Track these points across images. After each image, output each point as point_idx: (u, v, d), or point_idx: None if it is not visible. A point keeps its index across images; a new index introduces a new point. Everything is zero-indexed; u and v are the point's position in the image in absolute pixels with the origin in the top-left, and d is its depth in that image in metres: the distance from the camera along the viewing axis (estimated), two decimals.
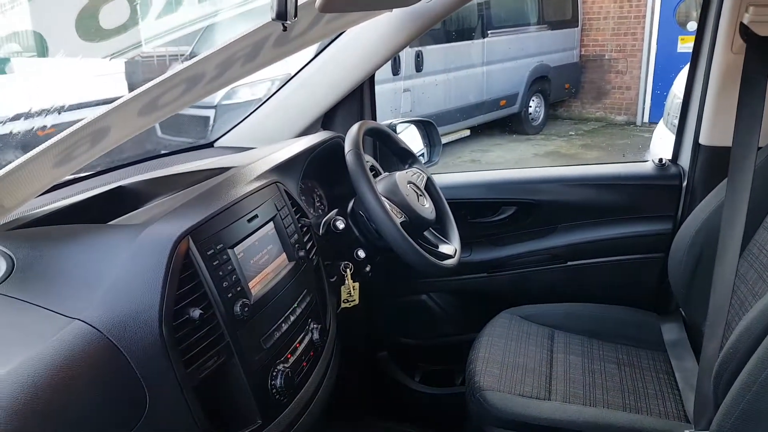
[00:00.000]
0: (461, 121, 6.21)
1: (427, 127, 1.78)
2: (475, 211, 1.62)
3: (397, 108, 5.28)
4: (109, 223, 0.93)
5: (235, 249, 0.88)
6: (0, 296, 0.74)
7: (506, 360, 1.27)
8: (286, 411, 0.92)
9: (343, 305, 1.24)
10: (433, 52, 5.61)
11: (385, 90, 5.09)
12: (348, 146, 1.14)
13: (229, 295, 0.84)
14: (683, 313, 1.41)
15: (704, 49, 1.38)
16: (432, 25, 1.35)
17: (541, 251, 1.58)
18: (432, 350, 1.74)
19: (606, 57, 7.50)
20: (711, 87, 1.35)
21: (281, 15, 0.71)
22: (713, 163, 1.39)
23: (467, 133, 6.49)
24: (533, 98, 6.99)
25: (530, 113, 7.01)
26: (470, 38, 6.09)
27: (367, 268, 1.32)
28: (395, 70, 5.22)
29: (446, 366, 1.73)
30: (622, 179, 1.54)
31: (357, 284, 1.23)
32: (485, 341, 1.34)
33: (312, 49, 1.45)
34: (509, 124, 7.01)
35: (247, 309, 0.86)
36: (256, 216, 0.95)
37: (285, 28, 0.80)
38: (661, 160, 1.52)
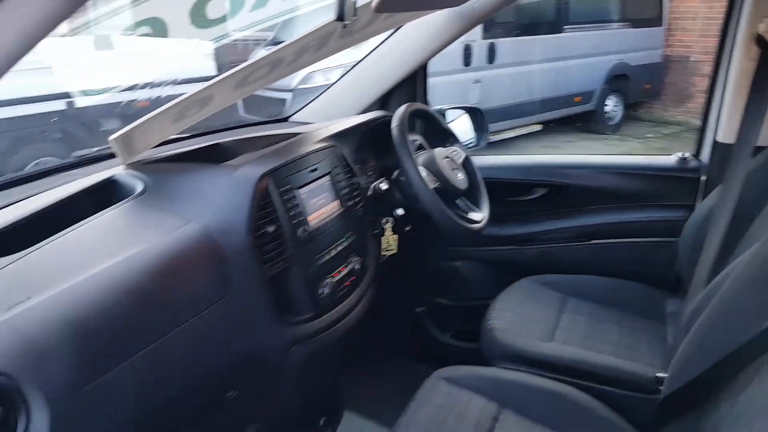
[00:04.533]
0: (533, 115, 6.28)
1: (475, 114, 1.99)
2: (510, 191, 1.83)
3: (466, 98, 5.45)
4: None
5: (300, 190, 1.18)
6: (138, 205, 1.06)
7: (519, 312, 1.49)
8: (330, 312, 1.21)
9: (383, 253, 1.50)
10: (506, 45, 5.72)
11: (454, 80, 5.26)
12: (394, 122, 1.38)
13: (294, 222, 1.14)
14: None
15: (725, 55, 1.52)
16: (479, 23, 1.57)
17: (567, 229, 1.77)
18: (463, 311, 1.96)
19: (692, 59, 7.29)
20: (728, 90, 1.50)
21: (340, 16, 0.97)
22: (728, 159, 1.53)
23: (539, 127, 6.55)
24: (610, 97, 6.93)
25: (606, 112, 6.96)
26: (547, 33, 6.14)
27: (407, 228, 1.57)
28: (467, 61, 5.37)
29: (475, 326, 1.95)
30: (646, 169, 1.71)
31: (396, 236, 1.49)
32: (504, 297, 1.56)
33: (376, 39, 1.71)
34: (584, 121, 6.99)
35: (306, 233, 1.15)
36: (316, 169, 1.24)
37: (345, 26, 1.06)
38: (683, 154, 1.68)
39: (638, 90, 7.24)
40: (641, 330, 1.44)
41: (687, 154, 1.68)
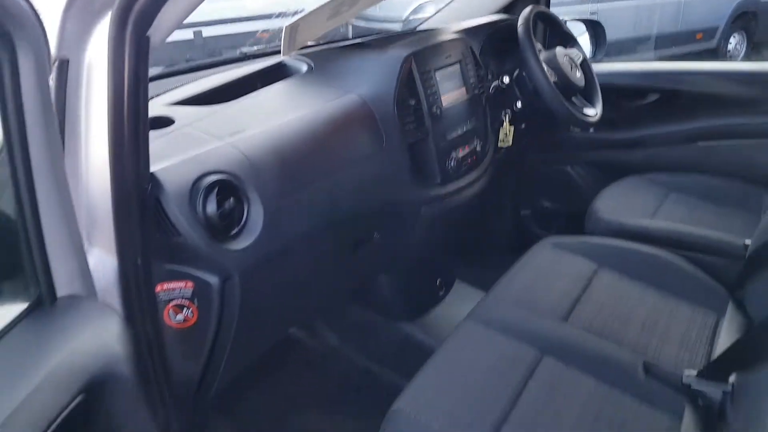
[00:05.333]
0: (650, 51, 6.02)
1: (595, 27, 2.07)
2: (624, 95, 1.94)
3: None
4: None
5: (436, 72, 1.38)
6: (306, 79, 1.33)
7: (622, 198, 1.64)
8: (454, 183, 1.43)
9: (500, 144, 1.68)
10: None
11: (570, 12, 5.15)
12: (521, 20, 1.54)
13: (430, 99, 1.35)
14: None
15: None
16: None
17: (676, 132, 1.87)
18: (569, 214, 2.10)
19: None
20: None
21: None
22: None
23: None
24: (734, 35, 6.46)
25: (729, 50, 6.51)
26: None
27: (523, 126, 1.73)
28: None
29: (579, 227, 2.10)
30: (759, 75, 1.75)
31: (512, 128, 1.66)
32: (611, 188, 1.72)
33: None
34: (702, 59, 6.60)
35: (439, 111, 1.36)
36: (450, 56, 1.43)
37: None
38: None
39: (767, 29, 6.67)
40: (738, 216, 1.55)
41: None
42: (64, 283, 0.78)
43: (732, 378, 0.99)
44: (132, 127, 0.81)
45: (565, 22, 1.95)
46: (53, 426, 0.64)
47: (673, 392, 1.04)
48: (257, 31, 4.56)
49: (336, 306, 1.69)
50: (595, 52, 2.05)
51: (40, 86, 0.68)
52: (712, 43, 6.36)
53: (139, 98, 0.82)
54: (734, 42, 6.52)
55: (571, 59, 1.63)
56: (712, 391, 0.99)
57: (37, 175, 0.71)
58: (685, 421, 0.98)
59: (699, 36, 6.24)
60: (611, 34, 5.60)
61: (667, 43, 6.07)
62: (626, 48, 5.70)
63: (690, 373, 1.03)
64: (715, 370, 1.02)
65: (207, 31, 4.56)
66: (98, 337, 0.75)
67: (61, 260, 0.77)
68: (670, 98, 1.86)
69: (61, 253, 0.77)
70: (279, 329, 1.35)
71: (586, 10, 5.35)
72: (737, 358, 0.99)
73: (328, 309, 1.67)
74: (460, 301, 1.74)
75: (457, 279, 1.86)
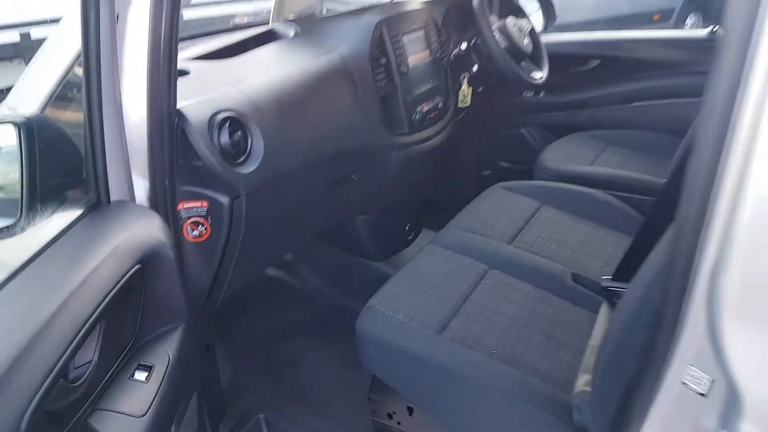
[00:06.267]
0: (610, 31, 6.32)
1: (545, 4, 2.34)
2: (568, 62, 2.21)
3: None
4: None
5: (403, 37, 1.63)
6: (295, 41, 1.56)
7: (566, 150, 1.92)
8: (419, 132, 1.69)
9: (460, 104, 1.94)
10: None
11: None
12: None
13: (398, 58, 1.60)
14: None
15: None
16: None
17: (614, 94, 2.16)
18: (525, 173, 2.38)
19: None
20: None
21: None
22: None
23: None
24: (691, 15, 6.81)
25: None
26: None
27: (480, 89, 1.99)
28: None
29: None
30: (683, 41, 2.06)
31: (470, 89, 1.92)
32: (557, 143, 1.99)
33: None
34: None
35: (406, 69, 1.61)
36: (416, 23, 1.68)
37: None
38: (714, 27, 1.99)
39: None
40: (663, 163, 1.82)
41: (717, 27, 1.99)
42: (116, 190, 1.01)
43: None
44: (166, 69, 1.02)
45: None
46: (120, 283, 0.87)
47: (594, 294, 1.32)
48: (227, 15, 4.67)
49: (319, 240, 1.94)
50: (546, 25, 2.33)
51: (111, 34, 0.90)
52: (669, 24, 6.69)
53: (172, 45, 1.03)
54: (690, 22, 6.86)
55: (521, 28, 1.88)
56: (622, 289, 1.27)
57: (105, 105, 0.93)
58: (600, 314, 1.25)
59: (656, 17, 6.55)
60: (572, 15, 5.87)
61: (626, 24, 6.37)
62: (590, 29, 5.97)
63: (607, 278, 1.31)
64: (621, 272, 1.30)
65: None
66: (148, 228, 0.98)
67: (115, 172, 1.00)
68: (609, 63, 2.15)
69: (116, 167, 1.00)
70: (275, 252, 1.59)
71: None
72: (632, 260, 1.26)
73: (312, 243, 1.91)
74: None
75: (423, 227, 2.13)
